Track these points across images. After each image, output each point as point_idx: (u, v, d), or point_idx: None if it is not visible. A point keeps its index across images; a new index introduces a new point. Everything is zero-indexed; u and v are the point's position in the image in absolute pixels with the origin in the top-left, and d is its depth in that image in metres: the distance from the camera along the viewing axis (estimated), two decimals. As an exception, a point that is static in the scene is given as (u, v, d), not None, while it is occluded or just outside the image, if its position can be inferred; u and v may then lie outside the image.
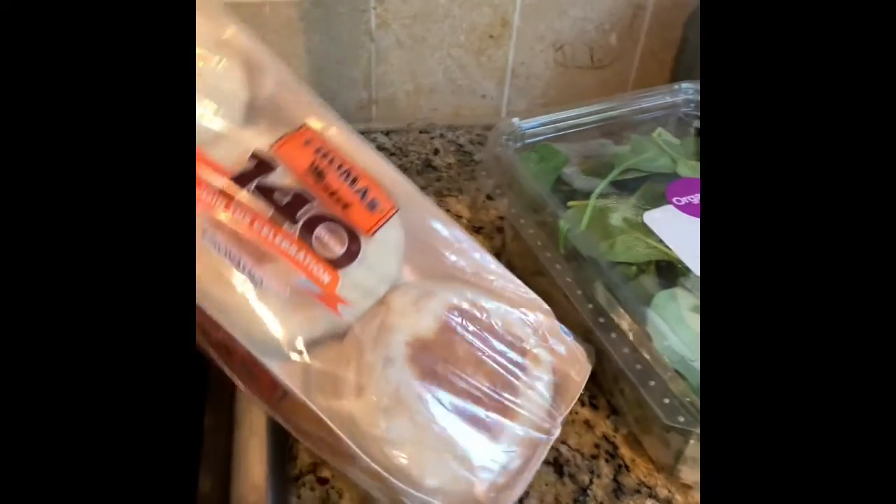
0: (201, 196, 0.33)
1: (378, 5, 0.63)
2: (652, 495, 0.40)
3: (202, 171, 0.34)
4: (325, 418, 0.32)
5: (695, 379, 0.35)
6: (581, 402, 0.44)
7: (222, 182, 0.34)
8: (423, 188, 0.41)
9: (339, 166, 0.36)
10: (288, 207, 0.34)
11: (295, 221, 0.34)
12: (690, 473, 0.39)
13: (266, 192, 0.34)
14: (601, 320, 0.39)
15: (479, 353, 0.35)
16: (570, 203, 0.46)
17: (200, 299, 0.31)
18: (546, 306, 0.39)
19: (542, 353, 0.37)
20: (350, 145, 0.38)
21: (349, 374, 0.33)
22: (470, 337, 0.35)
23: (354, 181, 0.36)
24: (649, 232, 0.43)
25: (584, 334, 0.40)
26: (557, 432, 0.36)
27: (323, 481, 0.39)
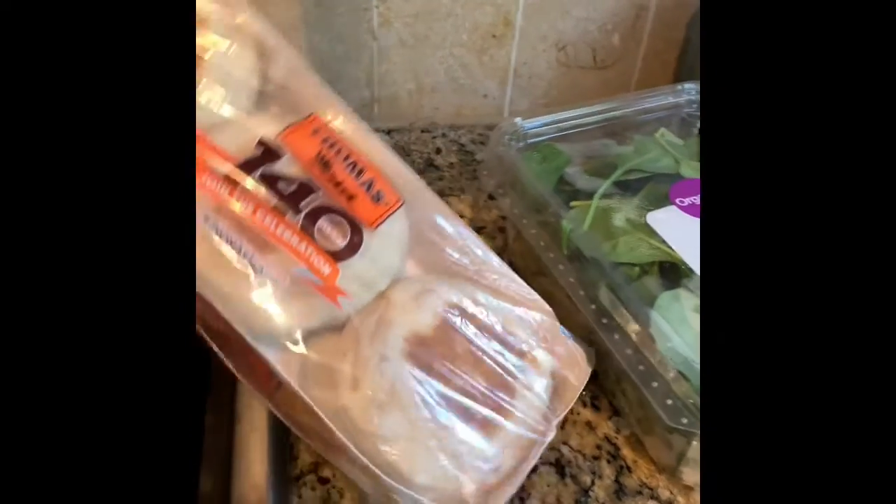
0: (206, 182, 0.33)
1: (380, 4, 0.62)
2: (654, 497, 0.39)
3: (208, 157, 0.33)
4: (318, 410, 0.32)
5: (697, 380, 0.35)
6: (583, 402, 0.44)
7: (227, 168, 0.33)
8: (424, 188, 0.41)
9: (346, 157, 0.36)
10: (292, 197, 0.34)
11: (298, 211, 0.34)
12: (692, 475, 0.39)
13: (271, 181, 0.34)
14: (604, 321, 0.39)
15: (477, 352, 0.35)
16: (573, 203, 0.46)
17: (200, 286, 0.31)
18: (547, 307, 0.39)
19: (541, 355, 0.37)
20: (357, 137, 0.38)
21: (345, 367, 0.33)
22: (469, 335, 0.35)
23: (360, 173, 0.36)
24: (652, 233, 0.43)
25: (586, 335, 0.40)
26: (552, 435, 0.36)
27: (324, 481, 0.39)
